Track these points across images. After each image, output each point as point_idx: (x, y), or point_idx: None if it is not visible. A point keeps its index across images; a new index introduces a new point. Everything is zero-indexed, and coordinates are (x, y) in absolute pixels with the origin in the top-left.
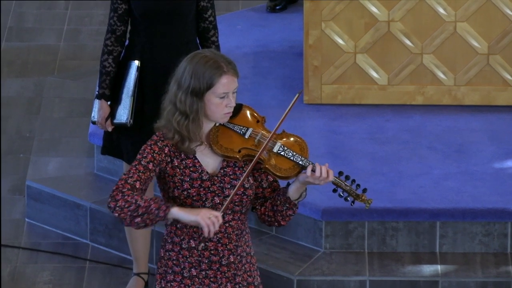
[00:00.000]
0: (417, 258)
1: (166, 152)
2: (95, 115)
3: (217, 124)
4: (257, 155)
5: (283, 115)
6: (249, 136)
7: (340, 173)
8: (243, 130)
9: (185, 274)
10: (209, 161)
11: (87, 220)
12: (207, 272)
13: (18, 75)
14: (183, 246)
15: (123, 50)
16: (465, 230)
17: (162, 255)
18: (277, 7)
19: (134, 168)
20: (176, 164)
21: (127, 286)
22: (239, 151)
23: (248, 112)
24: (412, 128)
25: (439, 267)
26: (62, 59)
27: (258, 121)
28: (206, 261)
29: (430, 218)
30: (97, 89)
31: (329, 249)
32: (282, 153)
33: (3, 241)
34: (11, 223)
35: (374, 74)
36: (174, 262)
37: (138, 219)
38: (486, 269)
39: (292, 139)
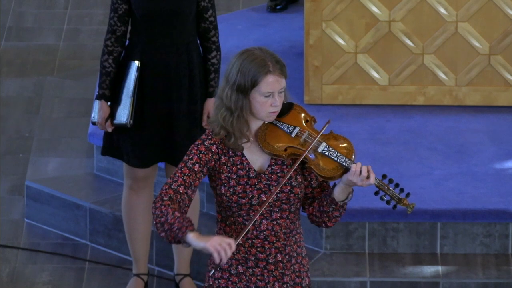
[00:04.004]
0: (417, 259)
1: (213, 150)
2: (95, 115)
3: (265, 122)
4: (303, 155)
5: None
6: (296, 135)
7: (384, 176)
8: (290, 129)
9: (232, 271)
10: (257, 158)
11: (86, 220)
12: (253, 269)
13: (18, 75)
14: None
15: (123, 50)
16: (466, 231)
17: None
18: (278, 7)
19: (179, 171)
20: (224, 161)
21: (126, 287)
22: (285, 150)
23: (298, 111)
24: (412, 128)
25: (440, 268)
26: (62, 59)
27: (307, 121)
28: (253, 259)
29: (430, 219)
30: (97, 89)
31: (330, 250)
32: (327, 153)
33: (2, 242)
34: (11, 223)
35: (375, 74)
36: None
37: (162, 234)
38: (487, 270)
39: (338, 140)
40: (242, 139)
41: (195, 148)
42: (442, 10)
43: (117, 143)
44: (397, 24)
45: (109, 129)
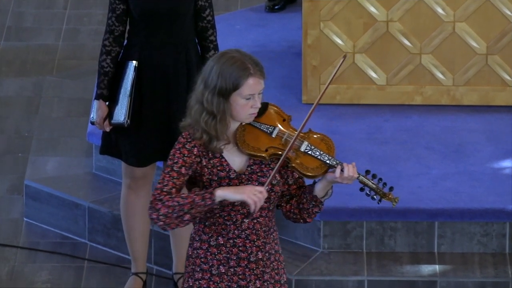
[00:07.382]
0: (415, 258)
1: (195, 153)
2: (93, 115)
3: (243, 123)
4: (284, 154)
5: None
6: (276, 135)
7: (367, 172)
8: (270, 129)
9: (213, 272)
10: (235, 159)
11: (85, 219)
12: (235, 269)
13: (17, 75)
14: (211, 243)
15: (122, 50)
16: (464, 230)
17: (190, 253)
18: (276, 7)
19: (167, 176)
20: (204, 163)
21: (125, 286)
22: (266, 150)
23: (274, 111)
24: (410, 128)
25: (437, 267)
26: (61, 59)
27: (284, 120)
28: (235, 258)
29: (428, 218)
30: (95, 89)
31: (328, 249)
32: (310, 152)
33: (1, 241)
34: (10, 222)
35: (372, 74)
36: (202, 260)
37: (186, 217)
38: (484, 269)
39: (319, 137)
40: (223, 141)
41: (178, 152)
42: (440, 10)
43: (115, 142)
44: (394, 24)
45: (107, 129)
